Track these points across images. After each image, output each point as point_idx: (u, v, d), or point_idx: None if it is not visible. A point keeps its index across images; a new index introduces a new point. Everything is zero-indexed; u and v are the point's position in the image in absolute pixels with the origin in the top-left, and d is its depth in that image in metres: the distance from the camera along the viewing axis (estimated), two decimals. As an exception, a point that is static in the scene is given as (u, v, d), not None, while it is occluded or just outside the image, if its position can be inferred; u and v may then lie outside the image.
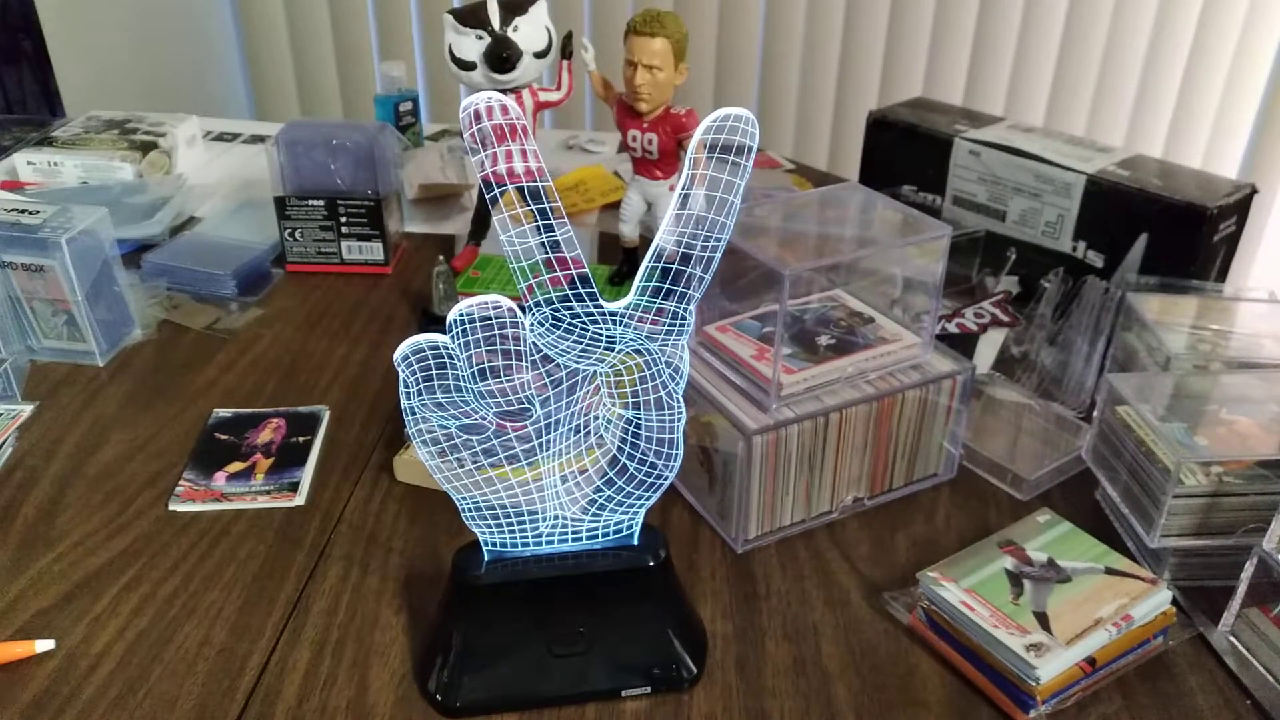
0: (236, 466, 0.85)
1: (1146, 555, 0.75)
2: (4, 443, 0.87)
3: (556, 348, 0.57)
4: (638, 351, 0.58)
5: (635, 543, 0.64)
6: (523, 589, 0.63)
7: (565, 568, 0.63)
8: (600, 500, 0.62)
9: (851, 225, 0.85)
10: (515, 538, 0.63)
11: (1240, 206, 1.01)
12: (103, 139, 1.38)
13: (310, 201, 1.14)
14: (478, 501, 0.61)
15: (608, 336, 0.57)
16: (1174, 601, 0.69)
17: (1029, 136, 1.14)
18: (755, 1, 2.14)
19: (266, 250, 1.19)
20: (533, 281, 0.55)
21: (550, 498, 0.62)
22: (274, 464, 0.85)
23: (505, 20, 1.03)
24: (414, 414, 0.58)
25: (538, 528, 0.63)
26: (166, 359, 1.01)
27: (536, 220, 0.54)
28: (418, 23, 2.20)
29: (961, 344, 0.97)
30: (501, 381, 0.57)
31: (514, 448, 0.59)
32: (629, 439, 0.60)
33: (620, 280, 1.13)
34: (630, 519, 0.64)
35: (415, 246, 1.25)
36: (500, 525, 0.62)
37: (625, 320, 0.57)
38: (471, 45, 1.03)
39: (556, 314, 0.56)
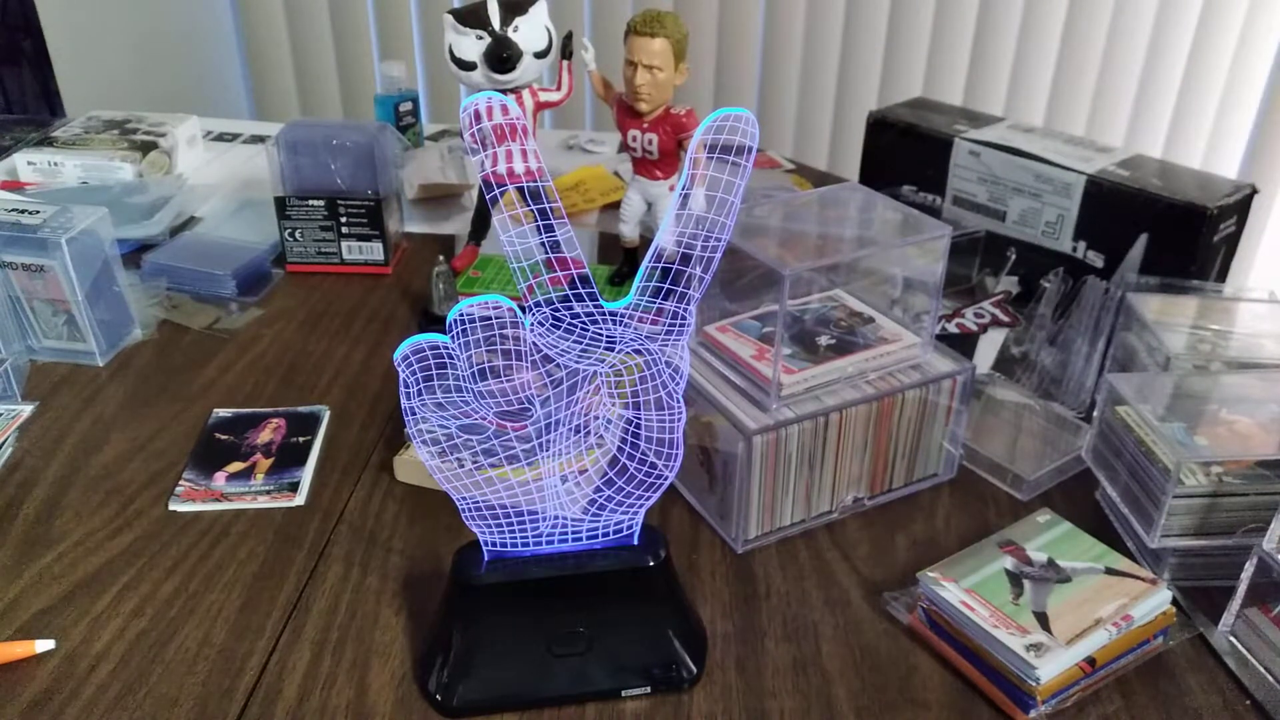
0: (236, 466, 0.85)
1: (1146, 555, 0.75)
2: (4, 443, 0.87)
3: (556, 348, 0.57)
4: (638, 351, 0.58)
5: (635, 543, 0.64)
6: (523, 589, 0.63)
7: (565, 568, 0.63)
8: (600, 500, 0.62)
9: (851, 225, 0.85)
10: (515, 538, 0.63)
11: (1240, 206, 1.01)
12: (103, 139, 1.38)
13: (310, 201, 1.14)
14: (478, 501, 0.61)
15: (608, 336, 0.57)
16: (1174, 601, 0.69)
17: (1029, 136, 1.14)
18: (755, 1, 2.14)
19: (266, 250, 1.19)
20: (533, 281, 0.55)
21: (550, 498, 0.62)
22: (274, 464, 0.85)
23: (505, 20, 1.03)
24: (414, 414, 0.58)
25: (538, 528, 0.63)
26: (166, 359, 1.01)
27: (536, 220, 0.54)
28: (418, 23, 2.20)
29: (961, 344, 0.97)
30: (501, 381, 0.57)
31: (514, 448, 0.59)
32: (629, 439, 0.60)
33: (620, 280, 1.13)
34: (630, 519, 0.64)
35: (415, 246, 1.25)
36: (500, 525, 0.62)
37: (625, 320, 0.57)
38: (471, 45, 1.03)
39: (556, 314, 0.56)
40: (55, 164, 1.33)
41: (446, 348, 0.55)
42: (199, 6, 2.21)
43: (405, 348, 0.55)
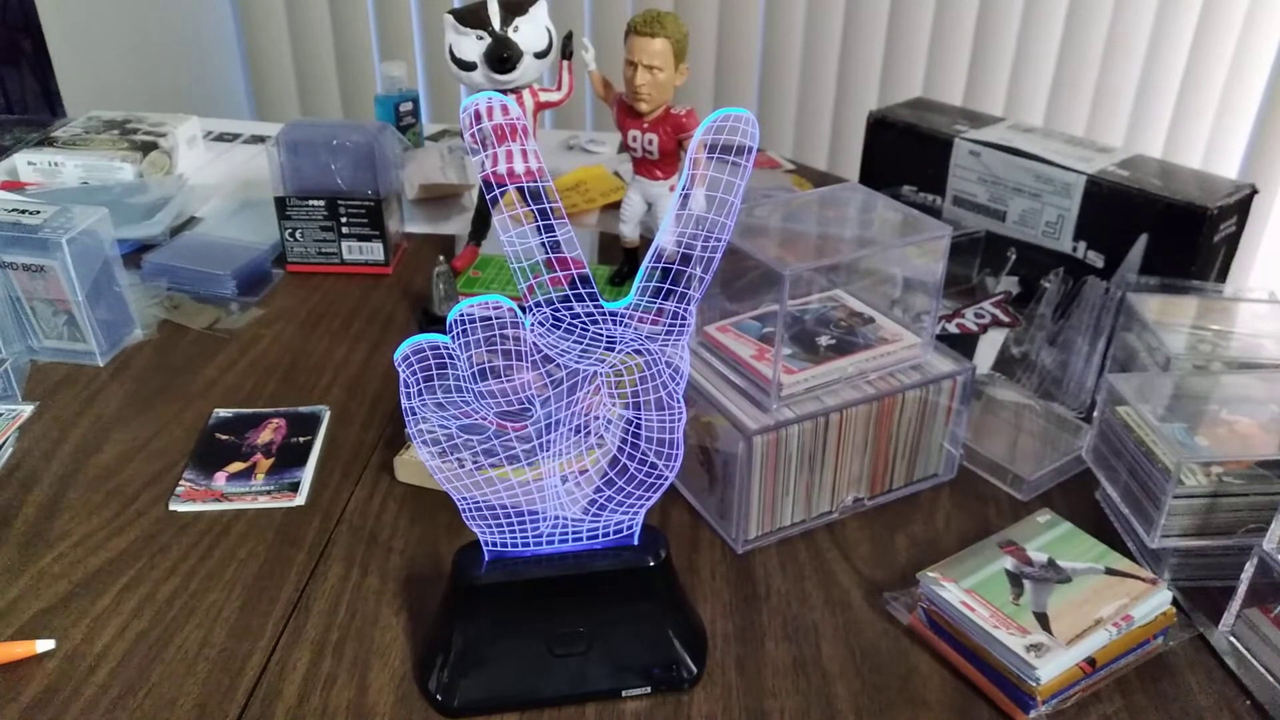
0: (237, 466, 0.85)
1: (1146, 555, 0.75)
2: (4, 443, 0.87)
3: (557, 348, 0.57)
4: (638, 351, 0.58)
5: (635, 543, 0.65)
6: (523, 589, 0.63)
7: (565, 568, 0.63)
8: (600, 500, 0.62)
9: (851, 225, 0.85)
10: (515, 538, 0.63)
11: (1240, 206, 1.01)
12: (103, 139, 1.38)
13: (310, 201, 1.14)
14: (478, 501, 0.61)
15: (608, 337, 0.57)
16: (1174, 602, 0.69)
17: (1029, 136, 1.14)
18: (755, 1, 2.14)
19: (267, 250, 1.19)
20: (533, 281, 0.55)
21: (550, 498, 0.62)
22: (274, 464, 0.85)
23: (505, 20, 1.03)
24: (414, 414, 0.58)
25: (538, 528, 0.63)
26: (166, 359, 1.01)
27: (537, 220, 0.54)
28: (418, 23, 2.20)
29: (961, 344, 0.97)
30: (502, 382, 0.57)
31: (514, 448, 0.59)
32: (629, 439, 0.60)
33: (620, 280, 1.13)
34: (630, 519, 0.64)
35: (415, 246, 1.25)
36: (500, 525, 0.62)
37: (625, 320, 0.57)
38: (472, 45, 1.03)
39: (557, 314, 0.56)
40: (55, 164, 1.33)
41: (446, 348, 0.55)
42: (199, 6, 2.21)
43: (405, 348, 0.55)
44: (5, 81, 1.65)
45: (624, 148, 1.04)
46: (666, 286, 0.56)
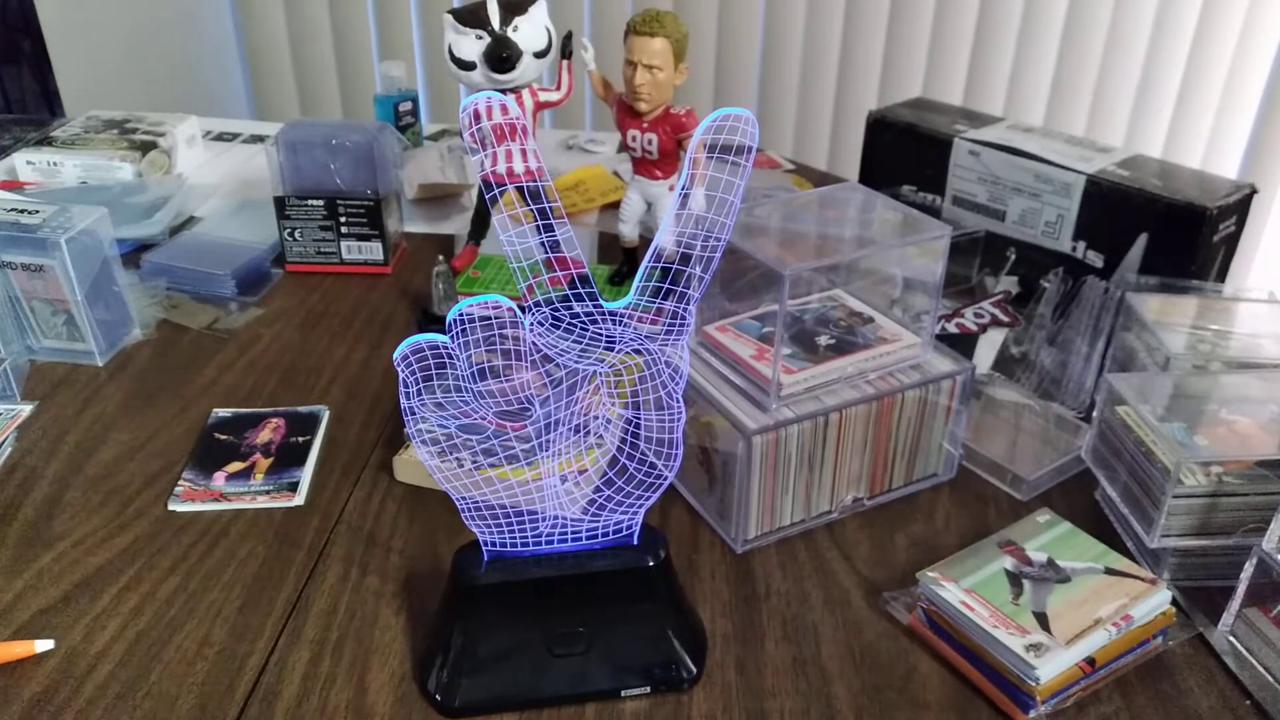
0: (236, 466, 0.85)
1: (1146, 555, 0.75)
2: (4, 443, 0.87)
3: (556, 348, 0.57)
4: (638, 351, 0.58)
5: (635, 543, 0.64)
6: (523, 589, 0.63)
7: (565, 568, 0.63)
8: (600, 500, 0.62)
9: (851, 225, 0.85)
10: (515, 538, 0.63)
11: (1240, 206, 1.01)
12: (102, 139, 1.38)
13: (310, 201, 1.14)
14: (477, 501, 0.61)
15: (607, 336, 0.57)
16: (1174, 601, 0.69)
17: (1029, 136, 1.14)
18: (755, 1, 2.14)
19: (266, 250, 1.19)
20: (533, 281, 0.55)
21: (550, 498, 0.62)
22: (273, 464, 0.85)
23: (505, 20, 1.03)
24: (414, 414, 0.58)
25: (538, 528, 0.63)
26: (166, 359, 1.01)
27: (536, 220, 0.54)
28: (418, 23, 2.20)
29: (961, 344, 0.97)
30: (501, 382, 0.57)
31: (514, 448, 0.59)
32: (629, 439, 0.60)
33: (620, 280, 1.13)
34: (630, 519, 0.64)
35: (415, 246, 1.25)
36: (500, 525, 0.62)
37: (625, 320, 0.57)
38: (471, 45, 1.03)
39: (556, 314, 0.56)
40: (55, 164, 1.33)
41: (446, 348, 0.55)
42: (199, 6, 2.21)
43: (405, 348, 0.55)
44: (5, 81, 1.65)
45: (623, 147, 1.04)
46: (666, 286, 0.56)
